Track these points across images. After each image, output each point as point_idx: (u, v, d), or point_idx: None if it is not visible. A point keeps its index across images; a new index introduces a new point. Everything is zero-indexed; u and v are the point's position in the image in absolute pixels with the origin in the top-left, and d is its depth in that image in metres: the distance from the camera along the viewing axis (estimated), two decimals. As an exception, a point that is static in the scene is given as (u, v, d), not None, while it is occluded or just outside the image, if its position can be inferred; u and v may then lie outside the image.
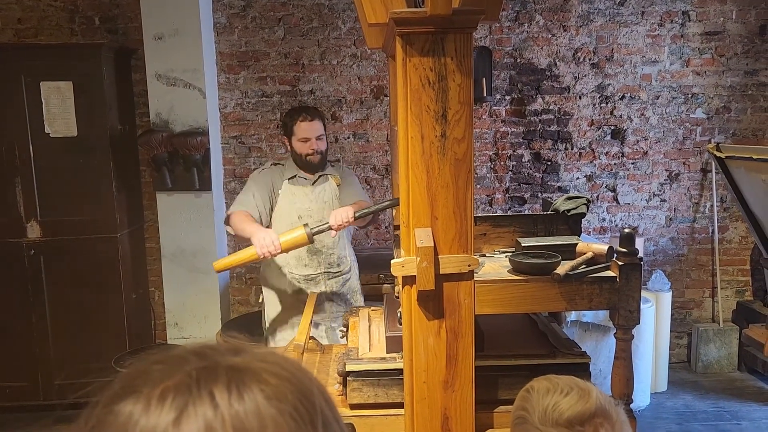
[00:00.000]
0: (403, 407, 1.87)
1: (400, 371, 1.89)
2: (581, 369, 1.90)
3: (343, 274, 3.07)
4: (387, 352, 1.99)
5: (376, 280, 3.43)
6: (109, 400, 0.52)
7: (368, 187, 4.61)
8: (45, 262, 4.07)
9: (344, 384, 1.95)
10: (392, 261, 1.74)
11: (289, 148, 3.03)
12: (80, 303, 4.07)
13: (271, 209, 2.99)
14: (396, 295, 1.98)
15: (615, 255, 1.88)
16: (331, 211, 2.83)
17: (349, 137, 4.56)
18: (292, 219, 2.95)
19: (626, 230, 1.89)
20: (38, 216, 4.04)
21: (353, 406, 1.92)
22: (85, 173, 4.03)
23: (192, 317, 4.25)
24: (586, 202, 2.19)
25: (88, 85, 3.98)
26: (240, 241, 2.95)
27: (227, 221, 2.90)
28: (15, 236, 4.03)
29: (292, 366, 0.56)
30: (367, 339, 2.15)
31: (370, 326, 2.29)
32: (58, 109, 3.97)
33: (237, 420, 0.50)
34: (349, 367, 1.92)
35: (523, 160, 4.64)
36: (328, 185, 3.03)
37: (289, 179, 3.00)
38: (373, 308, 2.54)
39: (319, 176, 3.02)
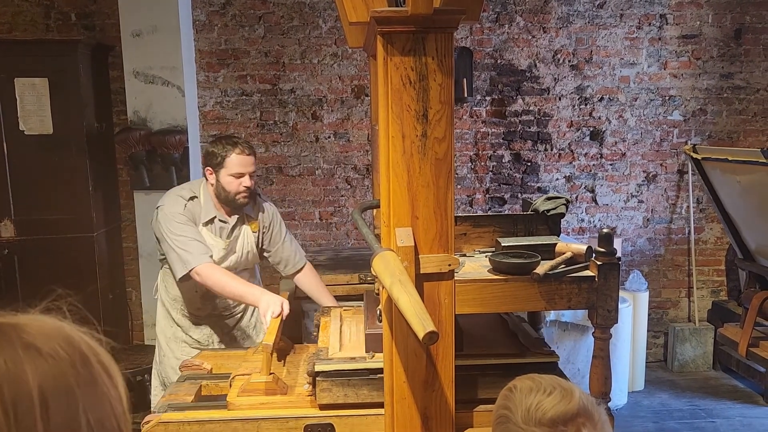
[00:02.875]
0: (374, 407, 1.87)
1: (370, 371, 1.89)
2: (550, 368, 1.89)
3: (234, 316, 2.82)
4: (366, 350, 1.98)
5: (356, 281, 3.40)
6: None
7: (349, 186, 4.60)
8: (19, 262, 4.00)
9: (313, 384, 1.94)
10: (373, 259, 1.73)
11: (213, 181, 2.61)
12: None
13: None
14: (376, 292, 1.98)
15: (593, 255, 1.89)
16: (244, 259, 2.70)
17: (329, 137, 4.55)
18: None
19: (604, 230, 1.89)
20: (12, 215, 3.97)
21: (323, 407, 1.91)
22: (61, 171, 3.96)
23: (170, 317, 4.19)
24: (565, 202, 2.20)
25: (64, 82, 3.92)
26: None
27: (191, 274, 2.51)
28: (-12, 235, 3.96)
29: (57, 322, 0.65)
30: (338, 339, 2.14)
31: (341, 326, 2.27)
32: (33, 106, 3.91)
33: None
34: (318, 367, 1.90)
35: (504, 161, 4.66)
36: (244, 234, 2.73)
37: (204, 223, 2.65)
38: (344, 308, 2.50)
39: (237, 218, 2.70)
